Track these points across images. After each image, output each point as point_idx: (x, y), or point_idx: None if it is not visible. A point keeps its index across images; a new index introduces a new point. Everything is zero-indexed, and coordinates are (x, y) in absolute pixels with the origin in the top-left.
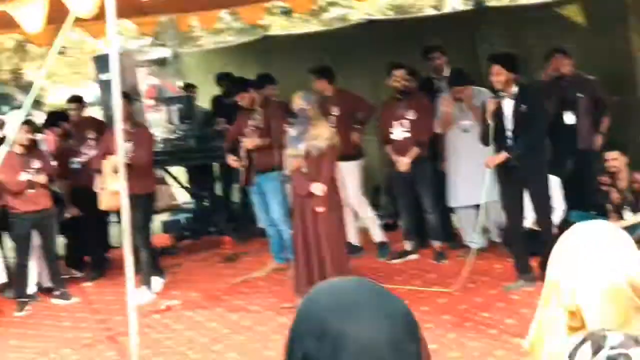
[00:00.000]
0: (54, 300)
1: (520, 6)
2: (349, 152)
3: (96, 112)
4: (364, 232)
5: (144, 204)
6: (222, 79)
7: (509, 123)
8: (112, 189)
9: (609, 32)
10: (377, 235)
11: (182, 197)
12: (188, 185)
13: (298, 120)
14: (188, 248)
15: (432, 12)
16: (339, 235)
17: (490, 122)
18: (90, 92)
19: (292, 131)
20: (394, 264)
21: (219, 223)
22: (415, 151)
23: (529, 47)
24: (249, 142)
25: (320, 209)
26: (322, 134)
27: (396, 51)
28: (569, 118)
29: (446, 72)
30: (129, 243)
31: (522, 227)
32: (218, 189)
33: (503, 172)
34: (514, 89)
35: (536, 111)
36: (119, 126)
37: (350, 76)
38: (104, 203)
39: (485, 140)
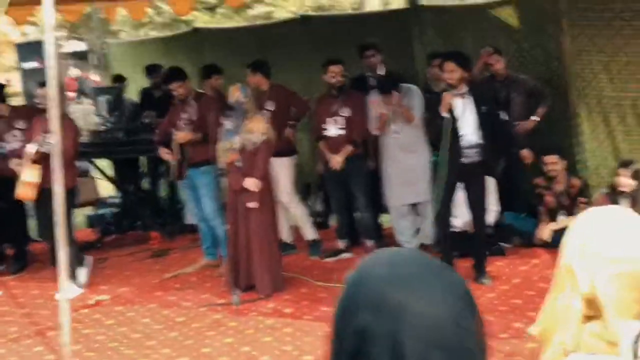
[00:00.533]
0: None
1: (455, 6)
2: (282, 148)
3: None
4: (295, 230)
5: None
6: (154, 70)
7: (464, 123)
8: (28, 179)
9: (542, 35)
10: (309, 232)
11: (108, 190)
12: (114, 179)
13: (234, 113)
14: (114, 243)
15: (352, 12)
16: (270, 232)
17: (446, 115)
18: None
19: (227, 124)
20: (327, 262)
21: (146, 218)
22: (348, 149)
23: (464, 47)
24: (182, 135)
25: (252, 205)
26: (258, 129)
27: (330, 48)
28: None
29: (380, 70)
30: (63, 236)
31: (450, 223)
32: (145, 183)
33: (450, 167)
34: (465, 88)
35: (495, 113)
36: (55, 114)
37: (283, 72)
38: (18, 193)
39: (437, 135)
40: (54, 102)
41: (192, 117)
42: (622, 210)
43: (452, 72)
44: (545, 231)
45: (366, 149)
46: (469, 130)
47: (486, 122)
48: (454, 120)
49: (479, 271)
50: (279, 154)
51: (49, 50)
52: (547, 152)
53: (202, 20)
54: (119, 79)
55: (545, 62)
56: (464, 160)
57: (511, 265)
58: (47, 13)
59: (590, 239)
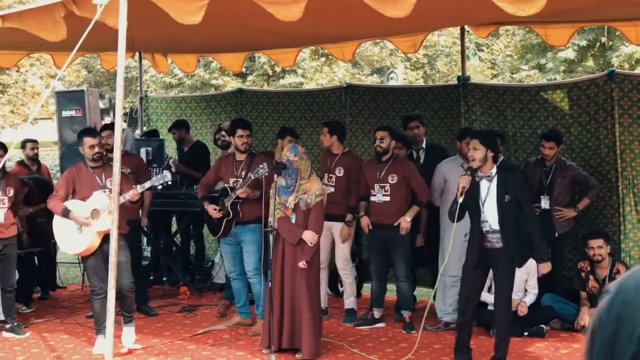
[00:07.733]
0: (5, 334)
1: (505, 86)
2: (344, 214)
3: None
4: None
5: (130, 242)
6: (175, 126)
7: (486, 208)
8: (102, 228)
9: (593, 121)
10: (351, 301)
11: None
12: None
13: (287, 171)
14: None
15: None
16: (317, 294)
17: (459, 199)
18: (32, 132)
19: (281, 181)
20: (361, 330)
21: (176, 272)
22: (416, 209)
23: (511, 127)
24: (247, 192)
25: (301, 265)
26: (313, 189)
27: (376, 118)
28: (545, 203)
29: (423, 142)
30: (113, 284)
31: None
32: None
33: (469, 250)
34: (493, 170)
35: (523, 203)
36: (118, 156)
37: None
38: (92, 243)
39: (451, 217)
40: (118, 154)
41: (244, 174)
42: None
43: (474, 150)
44: (586, 317)
45: (415, 221)
46: (490, 215)
47: (509, 210)
48: (475, 203)
49: (497, 353)
50: (342, 218)
51: (118, 93)
52: (592, 236)
53: (230, 85)
54: (153, 133)
55: (595, 149)
56: (485, 244)
57: (552, 348)
58: (120, 56)
59: None
